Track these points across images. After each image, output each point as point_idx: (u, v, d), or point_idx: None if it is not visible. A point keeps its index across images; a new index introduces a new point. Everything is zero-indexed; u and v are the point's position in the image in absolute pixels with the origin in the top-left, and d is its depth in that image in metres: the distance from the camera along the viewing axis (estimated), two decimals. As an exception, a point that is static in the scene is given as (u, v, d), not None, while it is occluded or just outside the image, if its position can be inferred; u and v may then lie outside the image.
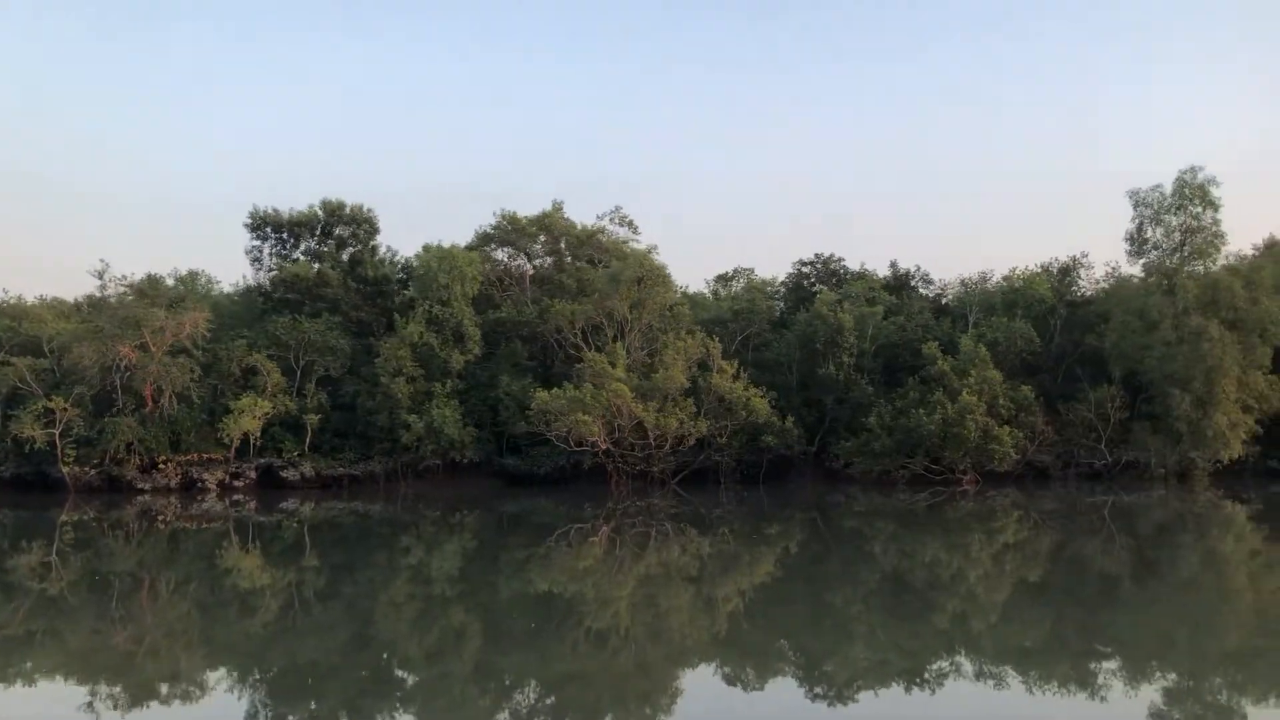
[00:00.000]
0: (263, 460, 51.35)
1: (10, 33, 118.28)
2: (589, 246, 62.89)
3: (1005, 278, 62.80)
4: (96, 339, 49.18)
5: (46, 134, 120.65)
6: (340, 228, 59.73)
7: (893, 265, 66.36)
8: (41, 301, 59.10)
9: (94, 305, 56.19)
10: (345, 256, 59.46)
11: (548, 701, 15.03)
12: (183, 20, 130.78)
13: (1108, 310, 57.24)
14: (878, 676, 15.95)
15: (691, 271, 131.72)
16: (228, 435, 48.95)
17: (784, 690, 15.43)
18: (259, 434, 50.11)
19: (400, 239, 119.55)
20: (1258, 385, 52.32)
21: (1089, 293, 61.27)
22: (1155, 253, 55.54)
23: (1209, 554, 31.05)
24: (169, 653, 18.29)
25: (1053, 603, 22.50)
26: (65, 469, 48.49)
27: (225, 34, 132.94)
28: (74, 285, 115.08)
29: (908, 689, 15.11)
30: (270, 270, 59.70)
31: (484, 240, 62.46)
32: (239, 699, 15.19)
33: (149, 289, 54.86)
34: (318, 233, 59.66)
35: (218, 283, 63.29)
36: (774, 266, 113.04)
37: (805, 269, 67.25)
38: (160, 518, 40.63)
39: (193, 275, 61.72)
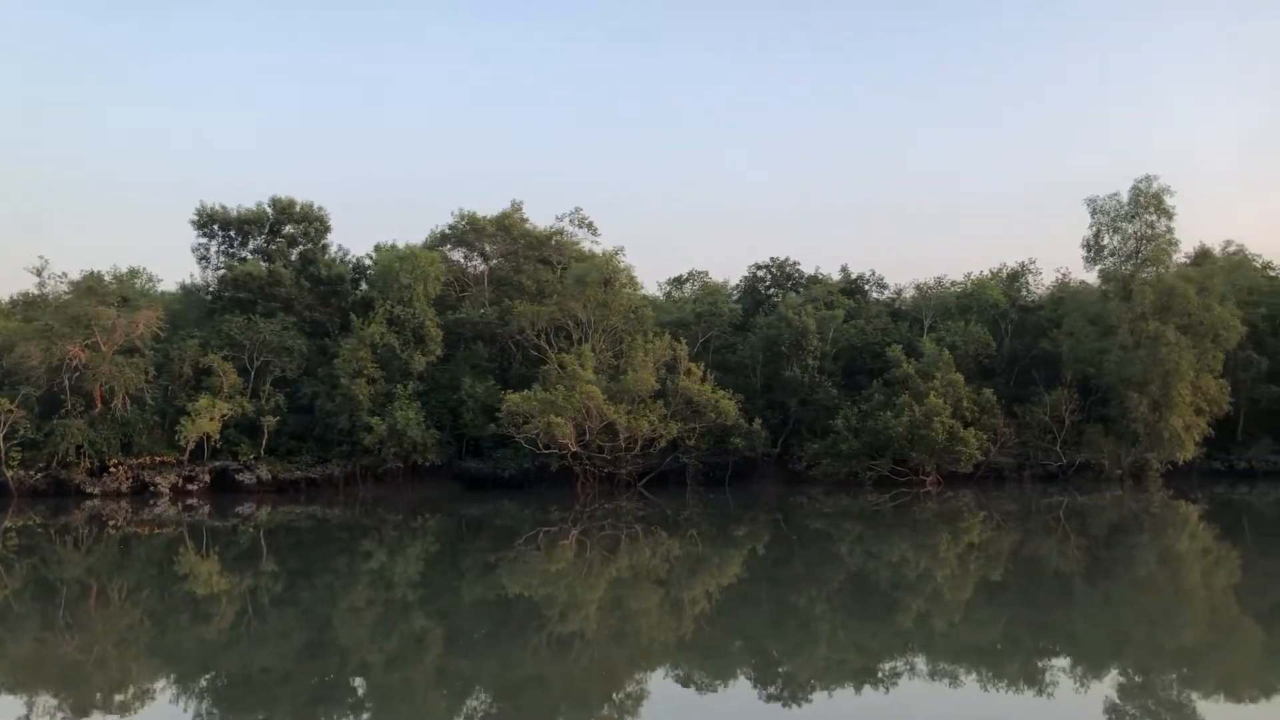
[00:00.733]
0: (217, 463, 50.05)
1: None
2: (547, 247, 62.26)
3: (958, 283, 63.73)
4: (44, 338, 47.64)
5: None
6: (290, 226, 58.08)
7: (844, 270, 66.78)
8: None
9: (33, 303, 54.43)
10: (295, 255, 57.92)
11: (507, 706, 14.62)
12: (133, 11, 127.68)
13: (1059, 315, 58.29)
14: (836, 676, 15.84)
15: (638, 273, 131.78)
16: (184, 438, 47.64)
17: (745, 691, 15.18)
18: (218, 436, 48.88)
19: (348, 238, 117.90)
20: (1209, 388, 53.38)
21: (1039, 298, 62.21)
22: (1111, 259, 56.52)
23: (1167, 553, 31.42)
24: (118, 662, 17.55)
25: (1014, 602, 22.53)
26: (9, 473, 46.78)
27: (178, 31, 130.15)
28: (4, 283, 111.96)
29: (862, 688, 15.04)
30: (218, 269, 58.16)
31: (440, 240, 61.47)
32: (186, 709, 14.54)
33: (99, 286, 53.30)
34: (266, 231, 58.09)
35: (158, 281, 61.19)
36: (719, 270, 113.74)
37: (760, 272, 67.44)
38: (111, 523, 39.36)
39: (133, 273, 59.59)
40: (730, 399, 51.53)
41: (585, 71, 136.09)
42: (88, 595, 24.15)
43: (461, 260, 63.18)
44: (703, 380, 52.19)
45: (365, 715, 14.59)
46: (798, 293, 62.41)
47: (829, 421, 53.83)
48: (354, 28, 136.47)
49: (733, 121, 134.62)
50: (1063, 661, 16.90)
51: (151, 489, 48.53)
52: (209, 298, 57.73)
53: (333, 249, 60.03)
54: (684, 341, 54.73)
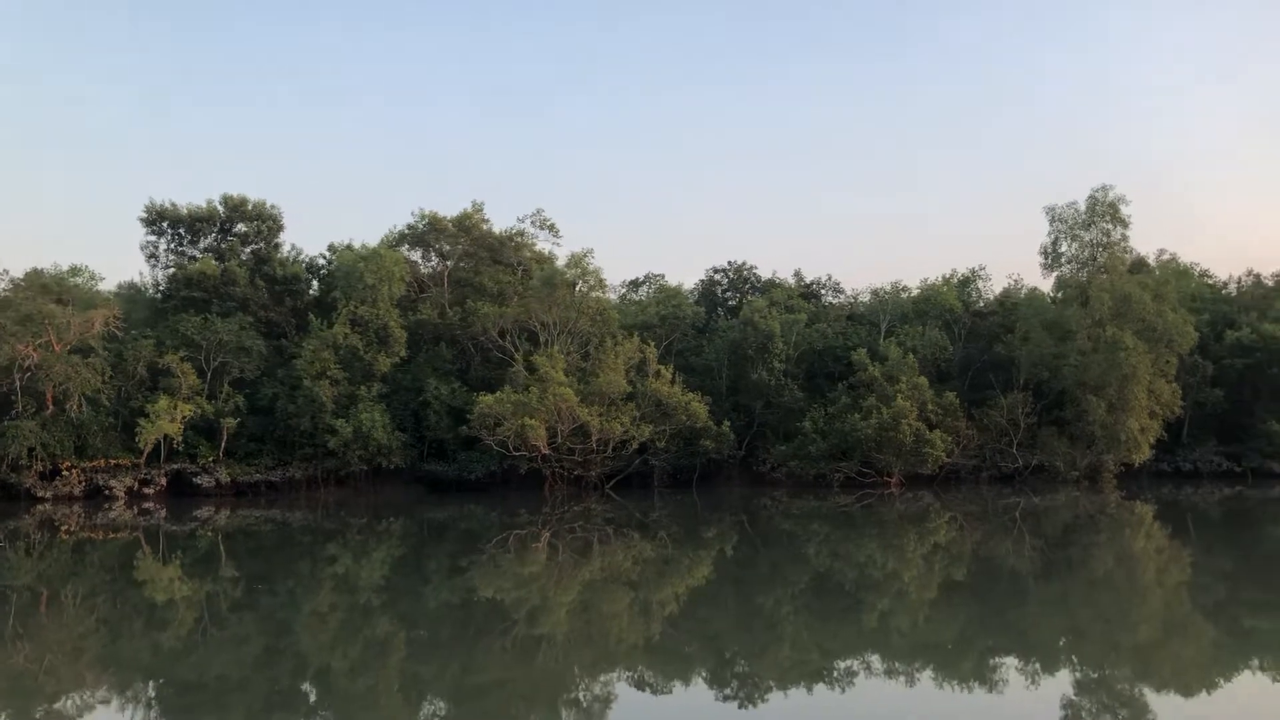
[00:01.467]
0: (174, 466, 48.63)
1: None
2: (507, 248, 61.39)
3: (908, 288, 64.38)
4: (-7, 337, 45.93)
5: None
6: (243, 224, 56.67)
7: (797, 274, 66.94)
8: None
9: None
10: (248, 254, 56.25)
11: (468, 710, 14.10)
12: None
13: (1012, 320, 58.96)
14: (797, 676, 15.58)
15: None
16: (143, 440, 46.15)
17: (709, 692, 14.78)
18: (179, 438, 47.44)
19: (298, 237, 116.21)
20: (1163, 392, 54.16)
21: (988, 303, 62.93)
22: (1069, 266, 57.20)
23: (1125, 552, 31.62)
24: (68, 671, 16.63)
25: (977, 601, 22.42)
26: (-45, 476, 45.15)
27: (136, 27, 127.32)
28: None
29: (822, 687, 14.84)
30: (167, 267, 56.47)
31: (398, 240, 60.24)
32: (134, 719, 13.82)
33: (52, 284, 51.56)
34: (218, 229, 56.51)
35: (101, 279, 59.17)
36: (674, 273, 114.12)
37: (717, 276, 67.37)
38: (63, 527, 37.86)
39: (74, 271, 57.59)
40: (700, 401, 51.32)
41: (538, 74, 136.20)
42: (38, 603, 23.08)
43: (419, 260, 62.17)
44: (671, 383, 51.91)
45: (323, 721, 13.91)
46: (754, 297, 62.58)
47: (795, 424, 53.89)
48: (310, 22, 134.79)
49: (686, 125, 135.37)
50: (1022, 658, 16.77)
51: (106, 493, 46.97)
52: (159, 296, 56.04)
53: (286, 248, 58.74)
54: (652, 344, 54.45)
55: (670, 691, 15.05)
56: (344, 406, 49.29)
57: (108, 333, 48.75)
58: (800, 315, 58.81)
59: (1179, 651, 17.07)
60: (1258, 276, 68.70)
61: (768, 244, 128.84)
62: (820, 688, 14.74)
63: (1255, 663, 15.93)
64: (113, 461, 47.17)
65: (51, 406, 46.18)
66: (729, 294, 66.83)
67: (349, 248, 58.61)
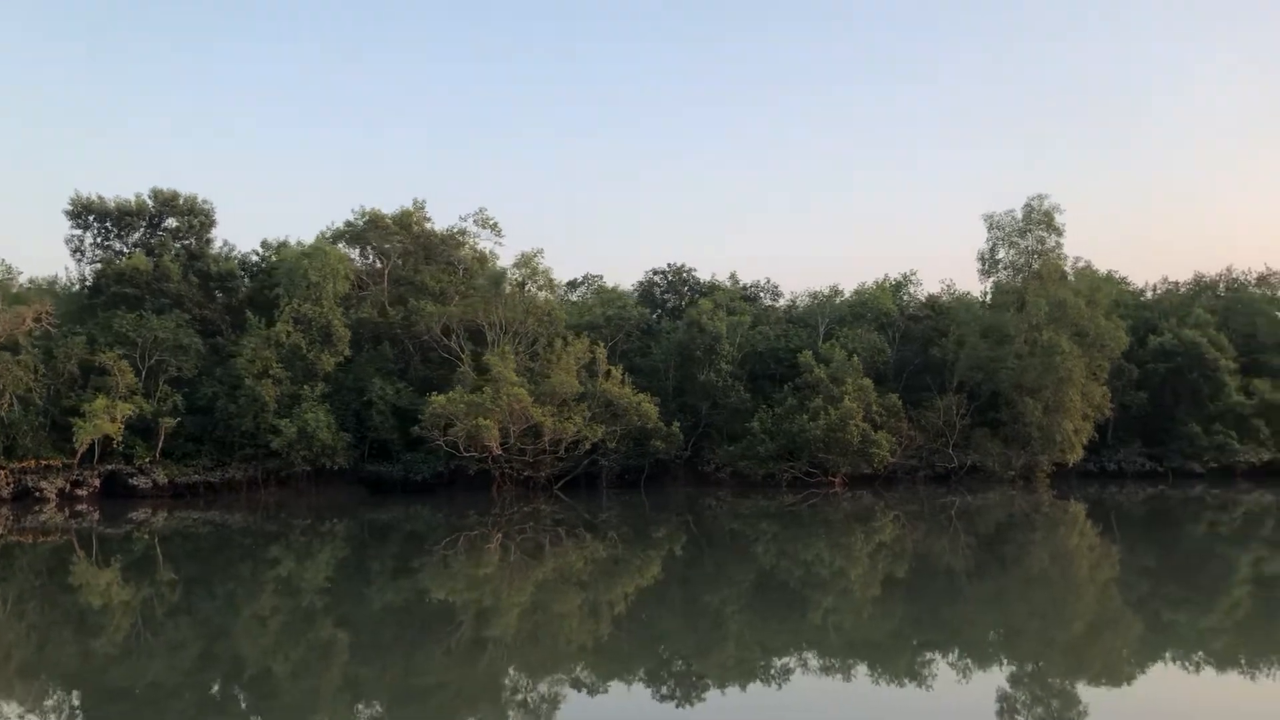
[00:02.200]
0: (109, 467, 47.17)
1: None
2: (449, 247, 60.56)
3: (840, 291, 65.45)
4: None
5: None
6: (174, 219, 54.93)
7: (733, 277, 66.99)
8: None
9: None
10: (178, 249, 54.38)
11: (407, 713, 13.86)
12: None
13: (946, 324, 60.29)
14: (739, 674, 15.61)
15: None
16: (80, 440, 44.59)
17: (653, 691, 14.74)
18: (119, 439, 45.98)
19: (228, 233, 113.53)
20: (1094, 395, 55.80)
21: (919, 306, 64.10)
22: (1005, 272, 58.60)
23: (1059, 549, 32.41)
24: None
25: (918, 598, 22.67)
26: (-126, 478, 43.19)
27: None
28: None
29: (766, 685, 14.89)
30: (93, 262, 54.43)
31: (336, 237, 58.92)
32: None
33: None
34: (147, 224, 54.61)
35: (19, 273, 56.88)
36: (611, 274, 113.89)
37: (657, 277, 67.38)
38: (-12, 530, 36.60)
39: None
40: (650, 402, 51.45)
41: (472, 71, 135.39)
42: (-39, 609, 22.18)
43: (357, 258, 61.09)
44: (621, 383, 51.95)
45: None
46: (702, 299, 62.99)
47: (742, 425, 54.30)
48: (239, 15, 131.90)
49: (619, 126, 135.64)
50: (959, 653, 17.04)
51: (36, 494, 45.27)
52: (85, 292, 54.09)
53: (218, 244, 57.23)
54: (601, 345, 54.41)
55: (611, 692, 14.95)
56: (286, 406, 48.29)
57: (39, 329, 47.08)
58: (744, 317, 59.37)
59: (1107, 645, 17.56)
60: (1176, 284, 71.60)
61: (704, 246, 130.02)
62: (757, 685, 14.77)
63: (1171, 655, 16.49)
64: (43, 462, 45.54)
65: (-22, 405, 44.50)
66: (667, 296, 66.90)
67: (284, 244, 57.42)
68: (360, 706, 14.26)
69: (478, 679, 15.47)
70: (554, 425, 48.48)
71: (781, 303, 67.81)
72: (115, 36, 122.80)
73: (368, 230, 59.07)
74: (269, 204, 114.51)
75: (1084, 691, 14.12)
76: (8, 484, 44.97)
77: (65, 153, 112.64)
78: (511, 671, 16.02)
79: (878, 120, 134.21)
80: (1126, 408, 59.14)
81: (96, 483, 46.74)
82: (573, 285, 70.25)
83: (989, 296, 61.79)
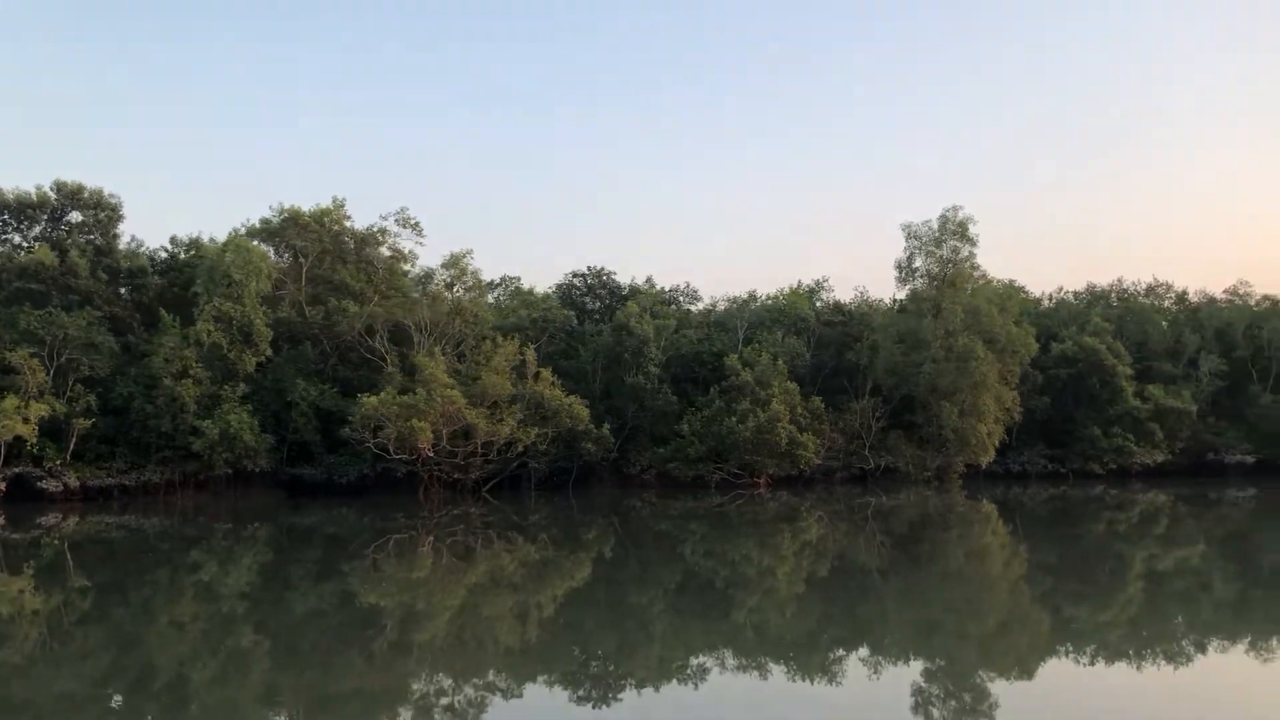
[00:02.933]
0: (15, 470, 44.88)
1: None
2: (369, 246, 59.01)
3: (756, 296, 66.67)
4: None
5: None
6: (78, 212, 52.38)
7: (649, 280, 67.40)
8: None
9: None
10: (84, 244, 51.71)
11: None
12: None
13: (860, 329, 61.82)
14: (659, 674, 15.75)
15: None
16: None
17: (572, 693, 14.74)
18: (33, 440, 43.75)
19: (134, 229, 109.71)
20: (1006, 399, 57.90)
21: (830, 311, 65.55)
22: (921, 280, 60.33)
23: (972, 547, 33.55)
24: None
25: (838, 595, 23.16)
26: None
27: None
28: None
29: (672, 684, 15.06)
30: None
31: (251, 235, 56.64)
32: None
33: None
34: (49, 217, 52.02)
35: None
36: (528, 276, 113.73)
37: (576, 280, 67.37)
38: (-118, 536, 34.60)
39: None
40: (582, 404, 51.45)
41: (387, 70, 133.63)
42: None
43: (273, 256, 59.35)
44: (552, 385, 51.84)
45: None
46: (615, 302, 63.32)
47: (668, 427, 54.76)
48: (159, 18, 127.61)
49: (538, 126, 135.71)
50: (877, 648, 17.47)
51: (-66, 498, 43.07)
52: None
53: (125, 239, 54.83)
54: (531, 347, 54.18)
55: (532, 695, 14.87)
56: (206, 407, 46.83)
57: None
58: (669, 320, 59.90)
59: (1015, 640, 18.28)
60: (1070, 294, 74.91)
61: (619, 249, 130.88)
62: (674, 685, 14.92)
63: (1072, 648, 17.27)
64: (-56, 465, 43.27)
65: None
66: (586, 298, 66.96)
67: (196, 241, 55.60)
68: (274, 715, 13.98)
69: (398, 684, 15.27)
70: (488, 427, 48.12)
71: (700, 306, 68.56)
72: (7, 26, 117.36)
73: (285, 228, 57.07)
74: (172, 201, 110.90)
75: (994, 685, 14.69)
76: (-96, 488, 42.58)
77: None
78: (433, 676, 15.87)
79: (789, 128, 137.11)
80: (1030, 411, 61.25)
81: (2, 486, 44.54)
82: (490, 287, 69.81)
83: (898, 304, 63.70)
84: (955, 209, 58.78)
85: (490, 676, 15.78)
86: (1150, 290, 74.93)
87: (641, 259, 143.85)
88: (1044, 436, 63.54)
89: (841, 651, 17.17)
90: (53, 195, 52.04)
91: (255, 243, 56.21)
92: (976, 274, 60.35)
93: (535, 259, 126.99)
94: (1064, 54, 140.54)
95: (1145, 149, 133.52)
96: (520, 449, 49.59)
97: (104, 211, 52.86)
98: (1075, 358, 62.74)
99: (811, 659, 16.47)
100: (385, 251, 59.15)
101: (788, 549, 31.79)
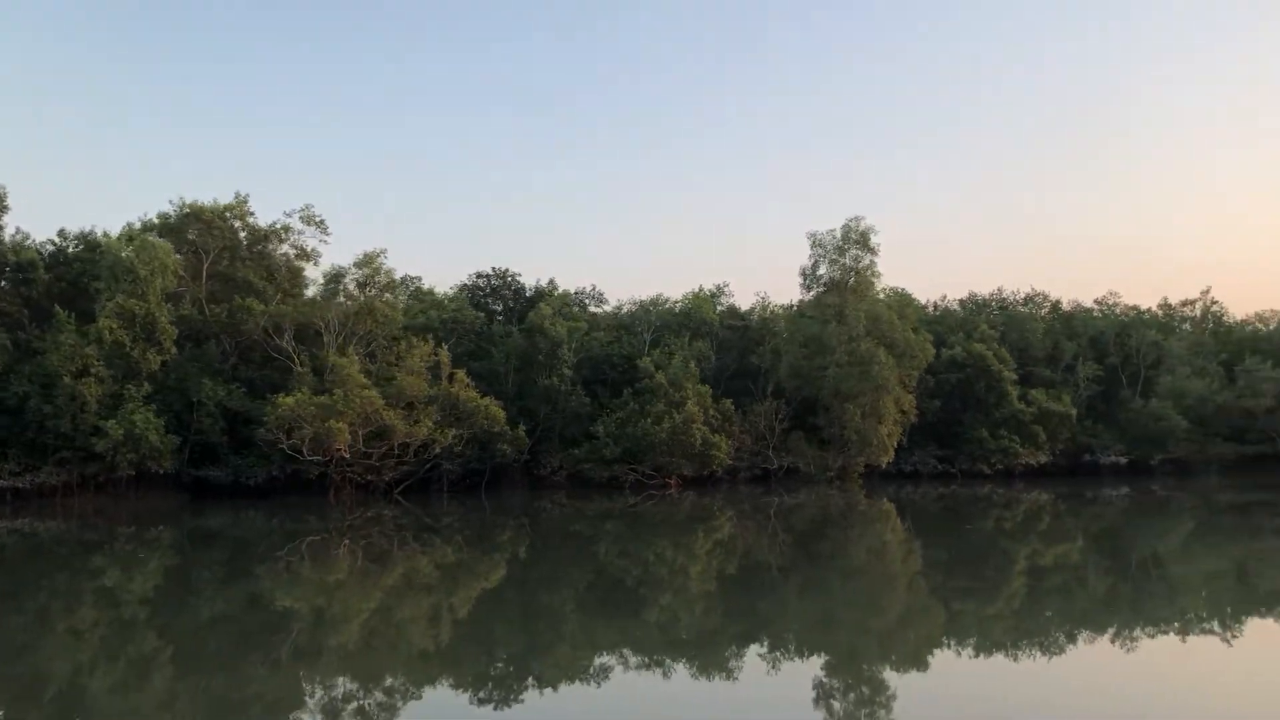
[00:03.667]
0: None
1: None
2: (270, 242, 57.63)
3: (676, 300, 67.61)
4: None
5: None
6: None
7: (551, 282, 67.23)
8: None
9: None
10: None
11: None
12: None
13: (762, 333, 63.30)
14: (566, 673, 15.78)
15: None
16: None
17: (477, 694, 14.57)
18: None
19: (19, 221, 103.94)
20: (904, 402, 60.05)
21: (729, 316, 66.96)
22: (824, 287, 62.06)
23: (872, 544, 34.63)
24: None
25: (745, 592, 23.37)
26: None
27: None
28: None
29: (576, 684, 15.03)
30: None
31: (147, 230, 54.79)
32: None
33: None
34: None
35: None
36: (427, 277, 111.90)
37: (480, 281, 67.03)
38: None
39: None
40: (497, 405, 51.14)
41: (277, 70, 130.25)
42: None
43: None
44: (467, 386, 51.41)
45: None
46: (520, 304, 63.28)
47: (583, 428, 54.96)
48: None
49: (441, 125, 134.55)
50: (778, 645, 17.74)
51: None
52: None
53: (10, 230, 52.11)
54: (445, 347, 53.62)
55: (431, 699, 14.61)
56: (108, 407, 44.83)
57: None
58: (580, 323, 60.12)
59: (909, 634, 19.09)
60: (959, 300, 78.30)
61: (526, 251, 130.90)
62: (578, 685, 14.94)
63: (961, 641, 18.20)
64: None
65: None
66: (489, 299, 66.52)
67: (89, 235, 53.12)
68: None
69: (302, 689, 14.97)
70: (405, 429, 47.41)
71: (606, 309, 68.88)
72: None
73: (186, 223, 54.91)
74: (58, 194, 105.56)
75: (890, 676, 15.37)
76: None
77: None
78: (339, 680, 15.56)
79: (687, 137, 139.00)
80: (922, 414, 63.43)
81: (-120, 489, 41.82)
82: (389, 286, 68.55)
83: (795, 306, 65.39)
84: (858, 219, 60.81)
85: (394, 679, 15.50)
86: (1029, 299, 78.92)
87: (542, 261, 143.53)
88: (935, 438, 65.83)
89: (746, 647, 17.50)
90: (-72, 185, 48.98)
91: (151, 238, 54.08)
92: (877, 282, 62.55)
93: (434, 259, 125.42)
94: (947, 65, 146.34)
95: (1017, 170, 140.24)
96: (437, 450, 49.05)
97: (-15, 202, 50.03)
98: (964, 363, 65.32)
99: (716, 656, 16.69)
100: (288, 249, 57.56)
101: (700, 548, 32.29)
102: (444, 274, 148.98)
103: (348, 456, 47.21)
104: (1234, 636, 17.79)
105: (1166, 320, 79.28)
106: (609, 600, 23.00)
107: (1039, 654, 16.60)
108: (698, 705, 13.71)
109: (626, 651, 17.02)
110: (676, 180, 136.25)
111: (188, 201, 55.38)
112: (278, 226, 57.20)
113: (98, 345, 45.74)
